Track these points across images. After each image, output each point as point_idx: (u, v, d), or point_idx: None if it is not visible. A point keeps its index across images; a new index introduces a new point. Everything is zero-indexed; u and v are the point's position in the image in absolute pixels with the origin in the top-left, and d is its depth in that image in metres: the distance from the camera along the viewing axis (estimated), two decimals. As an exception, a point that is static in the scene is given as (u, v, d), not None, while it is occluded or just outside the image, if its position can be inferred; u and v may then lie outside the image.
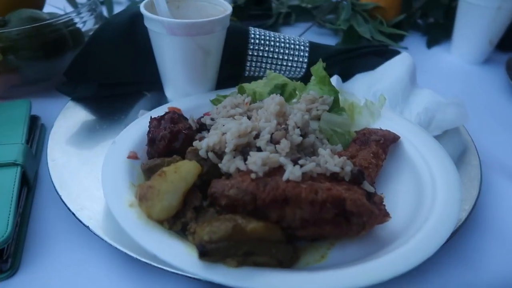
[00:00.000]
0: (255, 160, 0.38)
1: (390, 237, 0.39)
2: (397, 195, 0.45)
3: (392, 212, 0.40)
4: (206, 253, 0.32)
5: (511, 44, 0.90)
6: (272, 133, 0.43)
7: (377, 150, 0.48)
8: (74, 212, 0.41)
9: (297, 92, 0.57)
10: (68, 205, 0.42)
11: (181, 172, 0.38)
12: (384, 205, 0.40)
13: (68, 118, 0.57)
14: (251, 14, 0.96)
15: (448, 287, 0.39)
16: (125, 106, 0.61)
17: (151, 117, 0.49)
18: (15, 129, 0.52)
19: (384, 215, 0.39)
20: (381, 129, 0.52)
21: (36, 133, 0.56)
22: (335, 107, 0.54)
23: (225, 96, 0.58)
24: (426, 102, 0.58)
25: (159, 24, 0.53)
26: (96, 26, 0.68)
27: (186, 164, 0.39)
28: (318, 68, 0.56)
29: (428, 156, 0.48)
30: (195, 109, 0.57)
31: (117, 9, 0.92)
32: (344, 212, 0.36)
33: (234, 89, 0.60)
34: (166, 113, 0.50)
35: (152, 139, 0.46)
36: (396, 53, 0.70)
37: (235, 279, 0.32)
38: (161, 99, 0.64)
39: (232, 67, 0.67)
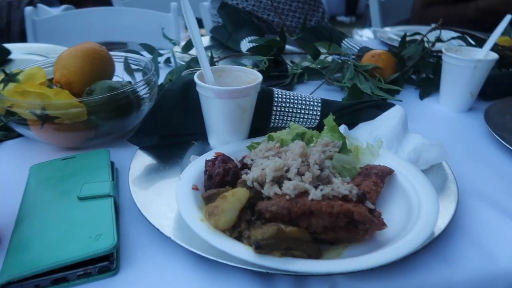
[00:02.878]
0: (289, 186, 0.54)
1: (386, 241, 0.54)
2: (392, 213, 0.60)
3: (388, 224, 0.56)
4: (260, 247, 0.48)
5: (489, 94, 1.07)
6: (298, 168, 0.59)
7: (376, 180, 0.64)
8: (158, 228, 0.57)
9: (314, 138, 0.74)
10: (153, 223, 0.58)
11: (237, 195, 0.54)
12: (382, 218, 0.56)
13: (139, 162, 0.74)
14: (271, 75, 1.16)
15: (429, 279, 0.53)
16: (180, 152, 0.79)
17: (206, 159, 0.66)
18: (103, 171, 0.70)
19: (382, 224, 0.54)
20: (379, 165, 0.68)
21: (114, 174, 0.74)
22: (343, 149, 0.71)
23: (258, 143, 0.75)
24: (415, 144, 0.74)
25: (210, 91, 0.72)
26: (148, 90, 0.87)
27: (240, 190, 0.55)
28: (330, 120, 0.73)
29: (416, 184, 0.64)
30: (234, 153, 0.73)
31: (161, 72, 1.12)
32: (353, 221, 0.52)
33: (264, 137, 0.78)
34: (217, 156, 0.67)
35: (210, 175, 0.62)
36: (392, 105, 0.87)
37: (280, 264, 0.47)
38: (206, 147, 0.81)
39: (260, 120, 0.85)
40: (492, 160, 0.84)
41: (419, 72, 1.25)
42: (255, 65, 1.26)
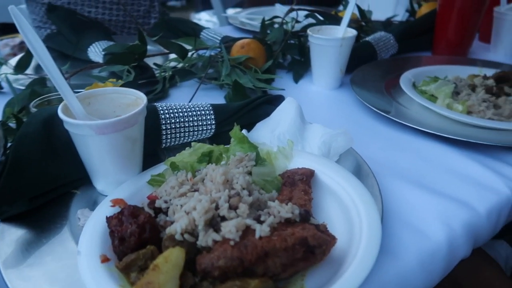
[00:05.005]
0: (230, 229, 0.46)
1: (339, 253, 0.51)
2: (330, 218, 0.57)
3: (333, 233, 0.52)
4: (225, 321, 0.39)
5: (353, 67, 1.14)
6: (229, 201, 0.51)
7: (304, 187, 0.60)
8: (73, 333, 0.42)
9: (223, 156, 0.66)
10: (62, 329, 0.43)
11: (172, 260, 0.43)
12: (329, 231, 0.52)
13: (8, 242, 0.55)
14: (140, 83, 1.01)
15: (383, 276, 0.52)
16: (61, 210, 0.61)
17: (106, 216, 0.52)
18: (-45, 273, 0.49)
19: (333, 239, 0.50)
20: (298, 168, 0.64)
21: (-27, 268, 0.53)
22: (258, 159, 0.65)
23: (159, 175, 0.64)
24: (321, 136, 0.72)
25: (86, 128, 0.56)
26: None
27: (173, 252, 0.44)
28: (236, 131, 0.66)
29: (338, 179, 0.61)
30: (134, 194, 0.61)
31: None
32: (308, 247, 0.47)
33: (161, 165, 0.66)
34: (120, 206, 0.54)
35: (121, 238, 0.49)
36: (282, 98, 0.84)
37: (255, 332, 0.39)
38: (93, 193, 0.66)
39: (151, 144, 0.72)
40: (375, 128, 0.89)
41: (284, 55, 1.26)
42: (112, 74, 1.09)
